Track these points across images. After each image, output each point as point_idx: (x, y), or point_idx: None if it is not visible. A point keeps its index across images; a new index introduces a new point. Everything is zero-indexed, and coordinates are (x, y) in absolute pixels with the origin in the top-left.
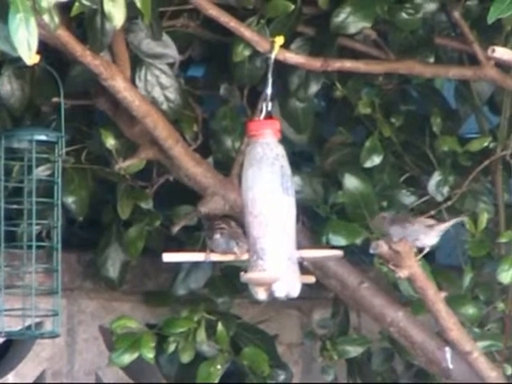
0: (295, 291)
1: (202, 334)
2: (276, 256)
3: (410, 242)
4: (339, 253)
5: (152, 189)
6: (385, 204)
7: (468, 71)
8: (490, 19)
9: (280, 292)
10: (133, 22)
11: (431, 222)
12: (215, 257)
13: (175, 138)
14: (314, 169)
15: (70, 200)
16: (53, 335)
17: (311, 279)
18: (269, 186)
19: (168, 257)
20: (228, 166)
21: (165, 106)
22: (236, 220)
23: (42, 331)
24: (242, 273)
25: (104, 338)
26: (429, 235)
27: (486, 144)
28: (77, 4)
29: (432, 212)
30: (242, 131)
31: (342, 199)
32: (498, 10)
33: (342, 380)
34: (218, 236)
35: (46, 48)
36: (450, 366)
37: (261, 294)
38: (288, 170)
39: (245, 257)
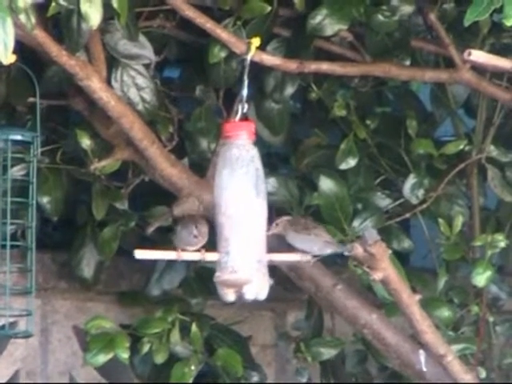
0: (263, 294)
1: (175, 335)
2: (246, 258)
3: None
4: (308, 257)
5: (127, 189)
6: (359, 206)
7: (444, 74)
8: (467, 22)
9: (250, 294)
10: (109, 22)
11: (327, 237)
12: (187, 255)
13: (151, 139)
14: (290, 170)
15: (44, 200)
16: (26, 335)
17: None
18: (243, 188)
19: (140, 254)
20: (203, 167)
21: (140, 107)
22: (209, 221)
23: (16, 331)
24: (217, 274)
25: (78, 338)
26: (322, 249)
27: (461, 147)
28: (53, 4)
29: (407, 215)
30: (218, 133)
31: (317, 201)
32: (475, 13)
33: (316, 381)
34: (178, 228)
35: (22, 48)
36: (424, 369)
37: (230, 296)
38: (262, 172)
39: (215, 257)
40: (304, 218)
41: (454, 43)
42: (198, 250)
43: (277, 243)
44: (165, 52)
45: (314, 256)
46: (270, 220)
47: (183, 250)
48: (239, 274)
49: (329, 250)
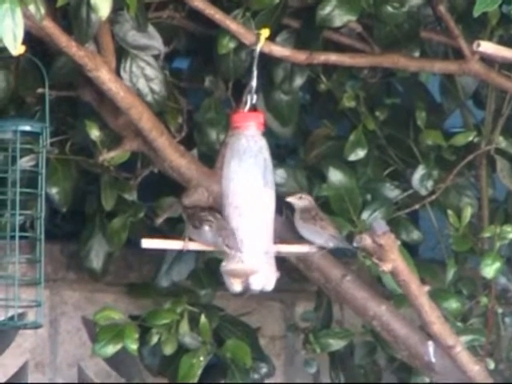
0: (270, 285)
1: (184, 326)
2: (253, 248)
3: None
4: (315, 249)
5: (136, 180)
6: (369, 197)
7: (453, 65)
8: (476, 13)
9: (256, 285)
10: (118, 13)
11: (332, 231)
12: (193, 245)
13: (160, 130)
14: (298, 162)
15: (53, 191)
16: (35, 326)
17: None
18: (251, 179)
19: (147, 243)
20: (212, 158)
21: (149, 98)
22: (219, 212)
23: (25, 322)
24: (223, 263)
25: (87, 330)
26: (325, 242)
27: (470, 138)
28: None
29: (416, 206)
30: (227, 124)
31: (326, 192)
32: (484, 4)
33: (325, 372)
34: (206, 228)
35: (31, 39)
36: (433, 360)
37: (236, 286)
38: (270, 163)
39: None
40: (315, 209)
41: (463, 34)
42: None
43: (286, 233)
44: (174, 43)
45: (322, 248)
46: (279, 211)
47: (190, 239)
48: (246, 264)
49: (332, 244)
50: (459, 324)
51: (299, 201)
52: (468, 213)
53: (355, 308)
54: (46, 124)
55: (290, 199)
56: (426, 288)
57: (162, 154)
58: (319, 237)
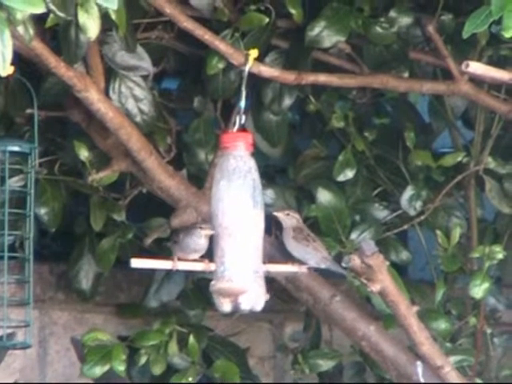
0: (259, 305)
1: (173, 347)
2: (243, 268)
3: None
4: (304, 269)
5: (125, 201)
6: (357, 218)
7: (442, 86)
8: (466, 34)
9: (246, 304)
10: (107, 33)
11: (325, 253)
12: (182, 265)
13: (148, 151)
14: (288, 182)
15: (42, 211)
16: (24, 346)
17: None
18: (240, 199)
19: (136, 262)
20: (201, 178)
21: (138, 119)
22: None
23: (14, 342)
24: (212, 282)
25: (75, 350)
26: (317, 263)
27: (459, 159)
28: (51, 16)
29: (405, 226)
30: (216, 144)
31: (315, 213)
32: (473, 25)
33: None
34: (181, 235)
35: (20, 59)
36: (422, 381)
37: (226, 306)
38: (259, 183)
39: (212, 267)
40: (305, 229)
41: (452, 55)
42: (197, 260)
43: (275, 253)
44: (163, 63)
45: (312, 268)
46: (268, 231)
47: (180, 259)
48: (234, 283)
49: (324, 266)
50: (448, 344)
51: (287, 218)
52: (457, 233)
53: (344, 328)
54: (35, 144)
55: (277, 214)
56: (415, 308)
57: (150, 174)
58: (311, 257)
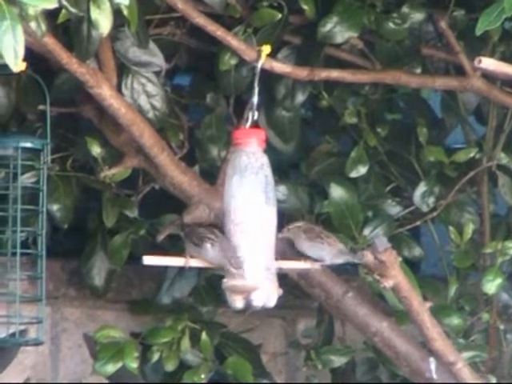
0: (272, 301)
1: (186, 343)
2: (255, 265)
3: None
4: (317, 265)
5: (137, 197)
6: (370, 214)
7: (454, 82)
8: (479, 31)
9: (258, 301)
10: (119, 29)
11: (340, 246)
12: (195, 262)
13: (161, 147)
14: (300, 178)
15: (54, 207)
16: (37, 343)
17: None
18: (252, 195)
19: (149, 260)
20: (213, 174)
21: (151, 115)
22: (219, 228)
23: (26, 339)
24: (224, 280)
25: (88, 346)
26: (334, 258)
27: (472, 155)
28: (63, 11)
29: (418, 222)
30: (228, 140)
31: (328, 209)
32: (486, 22)
33: None
34: (208, 246)
35: (32, 55)
36: (434, 377)
37: (238, 303)
38: (271, 179)
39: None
40: (318, 227)
41: (465, 51)
42: None
43: (287, 249)
44: (175, 59)
45: (324, 264)
46: (281, 227)
47: (192, 256)
48: (247, 281)
49: (341, 260)
50: (461, 340)
51: (291, 231)
52: (469, 229)
53: (357, 324)
54: (47, 140)
55: (286, 235)
56: (428, 304)
57: (163, 170)
58: (327, 253)
